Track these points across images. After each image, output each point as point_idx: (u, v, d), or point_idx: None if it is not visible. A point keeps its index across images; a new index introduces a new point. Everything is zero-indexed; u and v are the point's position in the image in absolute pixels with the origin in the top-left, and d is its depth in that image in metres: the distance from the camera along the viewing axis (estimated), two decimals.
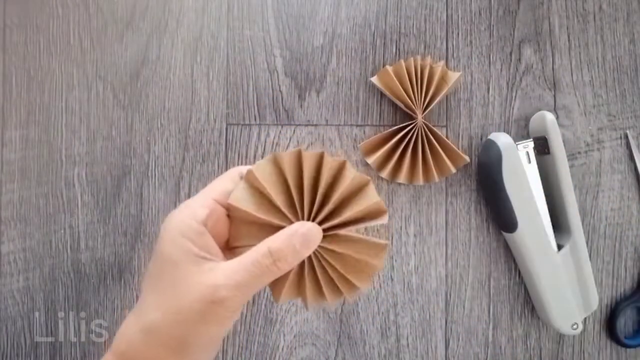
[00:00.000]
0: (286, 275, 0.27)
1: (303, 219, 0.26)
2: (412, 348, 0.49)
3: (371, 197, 0.26)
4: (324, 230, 0.26)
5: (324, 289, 0.27)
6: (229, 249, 0.27)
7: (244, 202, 0.26)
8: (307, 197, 0.26)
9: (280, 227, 0.26)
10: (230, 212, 0.27)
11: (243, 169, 0.27)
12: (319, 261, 0.27)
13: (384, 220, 0.26)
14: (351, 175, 0.26)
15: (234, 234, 0.27)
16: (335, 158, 0.26)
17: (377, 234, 0.26)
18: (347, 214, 0.26)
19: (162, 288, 0.25)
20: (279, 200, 0.26)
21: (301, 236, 0.25)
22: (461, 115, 0.49)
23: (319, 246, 0.26)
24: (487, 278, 0.49)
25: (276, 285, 0.27)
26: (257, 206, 0.26)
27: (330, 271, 0.27)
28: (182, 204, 0.27)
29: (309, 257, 0.27)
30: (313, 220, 0.26)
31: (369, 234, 0.28)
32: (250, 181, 0.26)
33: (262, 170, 0.26)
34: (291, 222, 0.26)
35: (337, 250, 0.26)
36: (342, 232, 0.26)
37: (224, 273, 0.24)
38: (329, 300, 0.28)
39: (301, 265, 0.27)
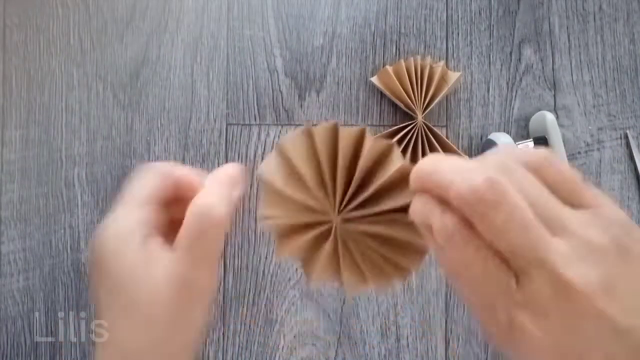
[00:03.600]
0: (316, 255, 0.24)
1: (334, 200, 0.24)
2: (412, 348, 0.49)
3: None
4: (358, 210, 0.23)
5: (368, 274, 0.24)
6: (263, 218, 0.25)
7: (273, 174, 0.23)
8: (340, 179, 0.23)
9: (308, 207, 0.24)
10: (261, 182, 0.24)
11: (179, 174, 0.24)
12: (359, 247, 0.24)
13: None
14: (397, 164, 0.22)
15: (265, 203, 0.24)
16: (380, 140, 0.23)
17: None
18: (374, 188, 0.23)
19: (120, 306, 0.23)
20: (309, 177, 0.23)
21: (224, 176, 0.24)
22: (461, 115, 0.49)
23: (360, 231, 0.24)
24: None
25: (307, 265, 0.25)
26: (285, 180, 0.23)
27: (375, 256, 0.24)
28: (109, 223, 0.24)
29: (345, 243, 0.24)
30: (346, 205, 0.23)
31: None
32: (281, 153, 0.24)
33: (294, 144, 0.23)
34: (320, 203, 0.23)
35: (382, 232, 0.23)
36: (386, 215, 0.23)
37: (175, 255, 0.22)
38: (374, 285, 0.25)
39: (335, 247, 0.24)
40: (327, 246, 0.24)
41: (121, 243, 0.23)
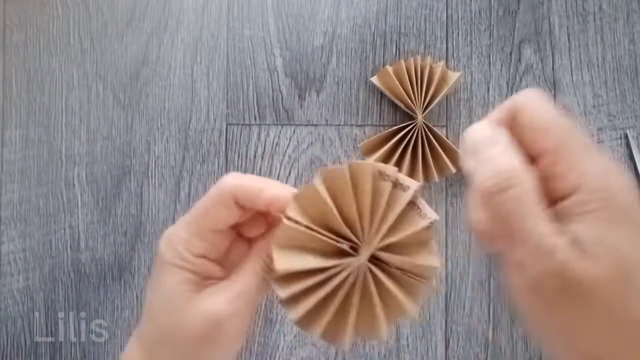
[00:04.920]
0: (325, 309, 0.24)
1: (362, 239, 0.24)
2: (412, 348, 0.49)
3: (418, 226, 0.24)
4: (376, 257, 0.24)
5: (382, 317, 0.24)
6: (277, 278, 0.25)
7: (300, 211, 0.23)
8: (366, 219, 0.24)
9: (335, 249, 0.23)
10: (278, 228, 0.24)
11: (235, 189, 0.24)
12: (379, 288, 0.24)
13: (433, 262, 0.24)
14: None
15: (278, 246, 0.24)
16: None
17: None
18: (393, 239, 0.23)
19: (161, 318, 0.25)
20: (336, 220, 0.23)
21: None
22: (461, 115, 0.49)
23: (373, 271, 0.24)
24: (487, 278, 0.49)
25: (314, 320, 0.24)
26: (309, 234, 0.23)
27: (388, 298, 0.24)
28: (175, 228, 0.25)
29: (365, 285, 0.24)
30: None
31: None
32: (300, 206, 0.23)
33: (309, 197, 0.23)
34: (346, 242, 0.23)
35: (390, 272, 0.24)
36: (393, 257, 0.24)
37: (225, 297, 0.24)
38: (387, 326, 0.24)
39: (346, 299, 0.24)
40: (341, 293, 0.24)
41: (169, 278, 0.24)
